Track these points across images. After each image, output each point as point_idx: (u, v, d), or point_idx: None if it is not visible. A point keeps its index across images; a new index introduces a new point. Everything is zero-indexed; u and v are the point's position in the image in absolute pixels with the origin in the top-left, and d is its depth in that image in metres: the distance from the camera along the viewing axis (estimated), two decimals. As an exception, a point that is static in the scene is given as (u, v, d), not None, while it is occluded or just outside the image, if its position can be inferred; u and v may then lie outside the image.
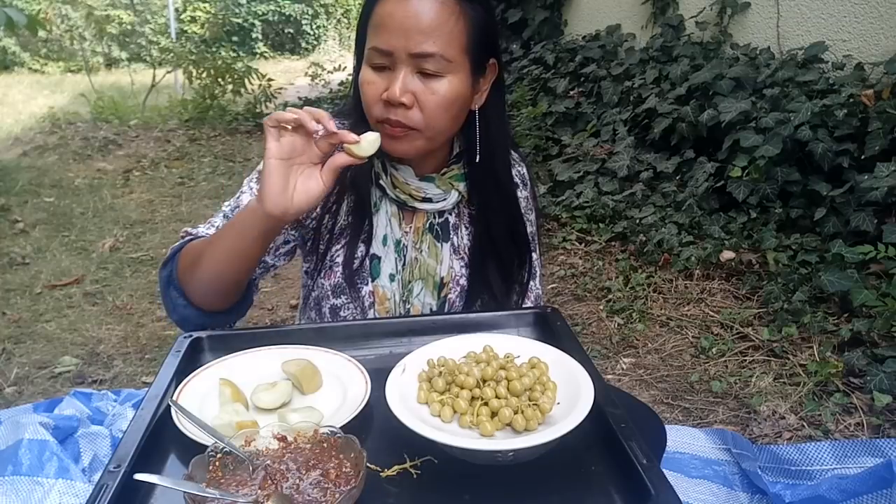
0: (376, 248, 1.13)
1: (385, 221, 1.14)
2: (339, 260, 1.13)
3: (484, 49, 1.05)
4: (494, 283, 1.17)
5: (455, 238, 1.18)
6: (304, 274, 1.21)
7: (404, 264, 1.15)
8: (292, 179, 0.91)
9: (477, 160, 1.11)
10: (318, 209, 1.12)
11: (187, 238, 1.09)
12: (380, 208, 1.14)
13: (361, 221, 1.12)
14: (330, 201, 1.12)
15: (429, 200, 1.13)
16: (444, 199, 1.14)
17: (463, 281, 1.18)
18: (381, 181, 1.12)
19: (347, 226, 1.13)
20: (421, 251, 1.16)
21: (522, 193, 1.23)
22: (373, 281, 1.14)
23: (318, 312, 1.16)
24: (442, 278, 1.17)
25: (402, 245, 1.15)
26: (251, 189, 1.11)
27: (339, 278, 1.13)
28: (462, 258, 1.18)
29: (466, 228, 1.19)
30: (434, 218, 1.16)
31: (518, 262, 1.20)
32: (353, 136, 0.89)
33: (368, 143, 0.90)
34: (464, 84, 1.03)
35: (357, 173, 1.09)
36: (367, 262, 1.13)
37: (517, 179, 1.22)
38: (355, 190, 1.11)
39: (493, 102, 1.11)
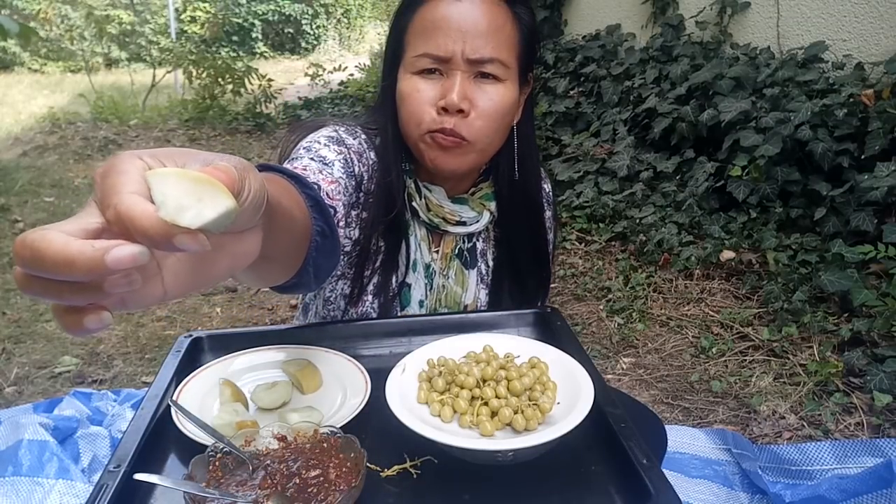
0: (407, 274, 1.07)
1: (415, 245, 1.07)
2: (369, 288, 1.05)
3: (530, 57, 1.00)
4: (505, 304, 1.14)
5: (482, 265, 1.13)
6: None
7: (431, 289, 1.09)
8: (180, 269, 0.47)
9: (516, 177, 1.06)
10: (356, 231, 1.02)
11: None
12: (411, 232, 1.07)
13: (396, 248, 1.05)
14: (367, 224, 1.02)
15: (462, 224, 1.07)
16: (477, 222, 1.08)
17: (485, 310, 1.14)
18: (413, 203, 1.04)
19: (377, 251, 1.05)
20: (448, 278, 1.10)
21: (546, 213, 1.18)
22: (402, 309, 1.08)
23: None
24: (466, 306, 1.12)
25: (431, 270, 1.09)
26: (327, 146, 0.98)
27: (368, 307, 1.06)
28: (487, 286, 1.14)
29: (493, 253, 1.14)
30: (463, 243, 1.10)
31: (537, 285, 1.16)
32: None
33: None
34: (515, 93, 0.98)
35: (397, 196, 1.01)
36: (397, 289, 1.07)
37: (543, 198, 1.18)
38: (393, 215, 1.02)
39: (526, 117, 1.06)
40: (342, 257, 1.03)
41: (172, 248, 0.39)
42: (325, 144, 0.98)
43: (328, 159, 0.96)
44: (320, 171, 0.92)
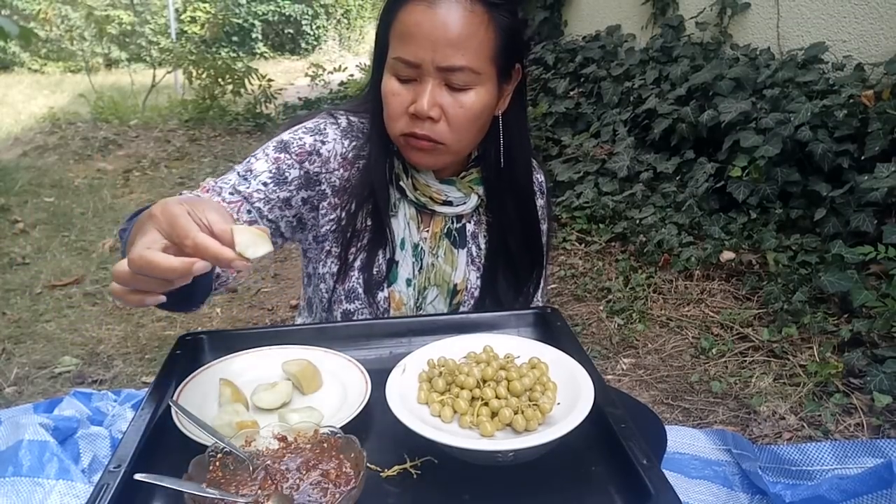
0: (396, 252, 1.11)
1: (403, 224, 1.11)
2: (356, 265, 1.10)
3: (511, 56, 1.02)
4: (502, 292, 1.15)
5: (473, 247, 1.16)
6: (307, 276, 1.18)
7: (420, 268, 1.13)
8: None
9: (501, 166, 1.09)
10: (337, 210, 1.08)
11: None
12: (398, 211, 1.11)
13: (381, 226, 1.09)
14: (349, 205, 1.08)
15: (449, 204, 1.10)
16: (464, 203, 1.11)
17: (477, 293, 1.16)
18: (401, 182, 1.09)
19: (364, 229, 1.09)
20: (437, 256, 1.13)
21: (539, 202, 1.20)
22: (389, 286, 1.11)
23: (330, 315, 1.14)
24: (455, 285, 1.14)
25: (419, 249, 1.12)
26: (267, 156, 1.05)
27: (355, 283, 1.10)
28: (478, 268, 1.16)
29: (485, 237, 1.16)
30: (452, 223, 1.13)
31: (530, 272, 1.18)
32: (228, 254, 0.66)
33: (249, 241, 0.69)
34: (491, 94, 1.00)
35: (375, 178, 1.06)
36: (385, 266, 1.11)
37: (535, 187, 1.20)
38: (374, 195, 1.07)
39: (514, 107, 1.08)
40: (329, 235, 1.09)
41: (228, 267, 0.67)
42: (264, 154, 1.06)
43: (255, 172, 1.04)
44: (220, 193, 1.01)
